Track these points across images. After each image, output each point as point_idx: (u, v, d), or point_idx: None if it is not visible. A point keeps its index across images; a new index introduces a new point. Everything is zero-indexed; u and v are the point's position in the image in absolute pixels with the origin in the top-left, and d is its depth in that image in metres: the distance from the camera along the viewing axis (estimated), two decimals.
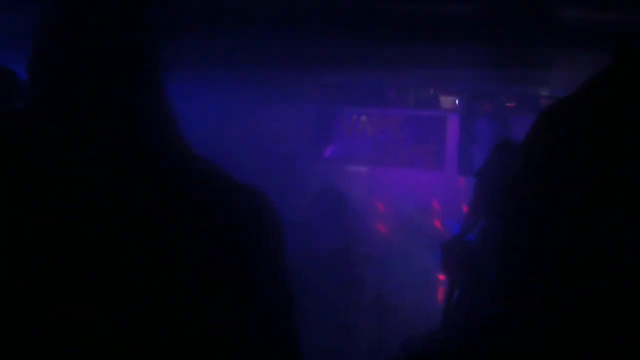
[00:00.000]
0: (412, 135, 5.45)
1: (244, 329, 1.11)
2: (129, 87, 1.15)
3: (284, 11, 2.63)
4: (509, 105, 5.13)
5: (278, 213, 1.16)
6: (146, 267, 1.06)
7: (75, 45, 1.12)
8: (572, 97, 0.85)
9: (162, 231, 1.08)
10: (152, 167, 1.13)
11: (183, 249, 1.07)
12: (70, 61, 1.12)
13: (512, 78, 4.08)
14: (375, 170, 5.48)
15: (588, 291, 0.75)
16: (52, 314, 1.03)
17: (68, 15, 1.14)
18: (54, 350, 1.03)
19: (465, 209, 5.06)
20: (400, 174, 5.42)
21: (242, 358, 1.12)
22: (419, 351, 0.88)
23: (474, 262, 2.47)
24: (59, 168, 1.09)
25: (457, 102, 5.33)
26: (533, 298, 0.80)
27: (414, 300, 4.37)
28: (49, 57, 1.15)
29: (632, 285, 0.74)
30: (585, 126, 0.80)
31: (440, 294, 4.85)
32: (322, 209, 4.47)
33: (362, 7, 2.61)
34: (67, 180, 1.08)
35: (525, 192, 0.84)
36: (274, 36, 2.98)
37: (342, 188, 4.83)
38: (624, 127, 0.77)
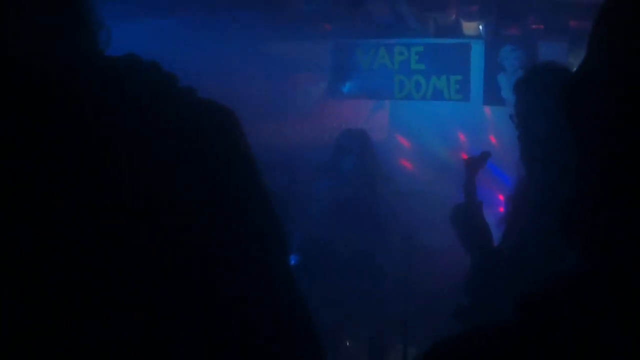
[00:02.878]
0: (434, 65, 5.20)
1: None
2: None
3: None
4: (535, 27, 4.85)
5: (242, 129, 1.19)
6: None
7: None
8: None
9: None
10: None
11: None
12: None
13: None
14: (397, 104, 5.25)
15: None
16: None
17: None
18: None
19: (492, 139, 4.86)
20: (423, 107, 5.20)
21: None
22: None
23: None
24: None
25: (480, 27, 5.05)
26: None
27: (442, 239, 4.22)
28: None
29: None
30: None
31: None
32: (345, 149, 4.30)
33: None
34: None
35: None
36: None
37: (362, 125, 4.63)
38: None
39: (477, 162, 2.45)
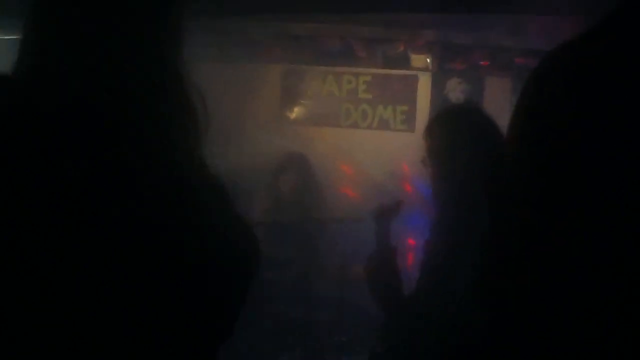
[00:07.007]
0: (381, 95, 5.25)
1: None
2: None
3: None
4: (482, 63, 4.94)
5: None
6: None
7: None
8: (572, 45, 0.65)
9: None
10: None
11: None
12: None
13: (484, 26, 3.88)
14: (343, 131, 5.28)
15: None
16: None
17: None
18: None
19: None
20: (368, 136, 5.24)
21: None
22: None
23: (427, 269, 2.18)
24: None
25: (428, 60, 5.13)
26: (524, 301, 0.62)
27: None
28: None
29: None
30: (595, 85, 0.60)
31: (410, 259, 4.70)
32: (283, 169, 4.32)
33: None
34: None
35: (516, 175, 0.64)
36: None
37: (308, 150, 4.65)
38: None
39: (390, 211, 2.46)
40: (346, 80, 5.29)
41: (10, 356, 0.98)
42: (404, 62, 5.20)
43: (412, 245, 4.64)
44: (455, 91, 5.05)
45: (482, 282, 0.69)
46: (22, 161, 1.00)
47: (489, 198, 0.70)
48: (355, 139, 5.25)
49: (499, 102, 4.71)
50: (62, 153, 1.02)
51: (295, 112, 5.38)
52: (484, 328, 0.66)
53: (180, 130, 1.16)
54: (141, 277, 1.06)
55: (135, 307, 1.05)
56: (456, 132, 2.15)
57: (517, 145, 0.66)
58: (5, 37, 4.08)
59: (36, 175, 1.00)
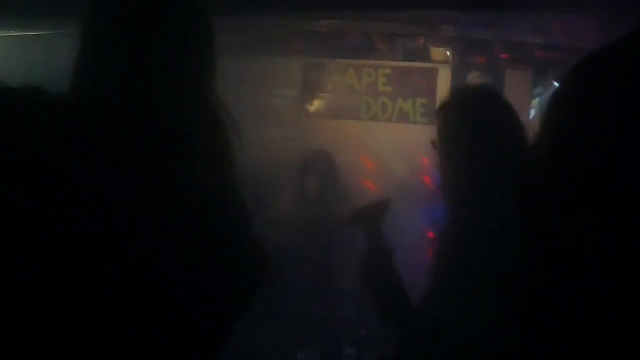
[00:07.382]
0: (401, 88, 5.26)
1: None
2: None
3: None
4: (502, 56, 4.93)
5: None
6: None
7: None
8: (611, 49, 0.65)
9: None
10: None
11: None
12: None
13: (504, 23, 3.88)
14: (363, 124, 5.30)
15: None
16: None
17: None
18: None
19: None
20: (388, 129, 5.24)
21: None
22: None
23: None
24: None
25: (448, 53, 5.13)
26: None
27: (401, 260, 4.24)
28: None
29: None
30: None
31: (430, 253, 4.71)
32: (309, 169, 4.34)
33: None
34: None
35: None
36: None
37: (328, 143, 4.67)
38: None
39: (367, 214, 2.33)
40: (366, 74, 5.30)
41: (11, 356, 1.00)
42: (424, 56, 5.21)
43: (432, 239, 4.66)
44: (476, 84, 5.04)
45: (510, 285, 0.69)
46: (79, 171, 1.04)
47: (516, 195, 0.69)
48: (375, 131, 5.26)
49: (520, 95, 4.70)
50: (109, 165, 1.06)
51: (316, 105, 5.40)
52: (501, 328, 0.65)
53: (207, 143, 1.19)
54: (153, 283, 1.08)
55: (142, 308, 1.08)
56: (469, 114, 2.03)
57: (552, 142, 0.64)
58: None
59: (87, 182, 1.04)
